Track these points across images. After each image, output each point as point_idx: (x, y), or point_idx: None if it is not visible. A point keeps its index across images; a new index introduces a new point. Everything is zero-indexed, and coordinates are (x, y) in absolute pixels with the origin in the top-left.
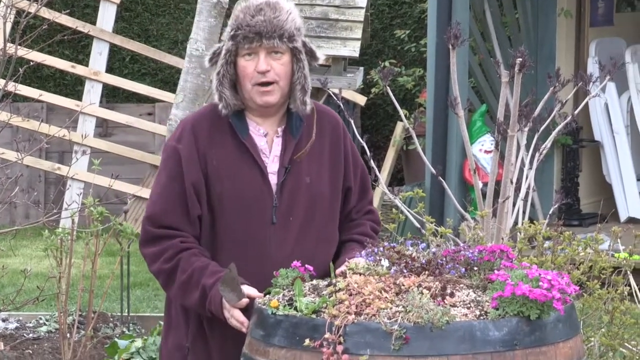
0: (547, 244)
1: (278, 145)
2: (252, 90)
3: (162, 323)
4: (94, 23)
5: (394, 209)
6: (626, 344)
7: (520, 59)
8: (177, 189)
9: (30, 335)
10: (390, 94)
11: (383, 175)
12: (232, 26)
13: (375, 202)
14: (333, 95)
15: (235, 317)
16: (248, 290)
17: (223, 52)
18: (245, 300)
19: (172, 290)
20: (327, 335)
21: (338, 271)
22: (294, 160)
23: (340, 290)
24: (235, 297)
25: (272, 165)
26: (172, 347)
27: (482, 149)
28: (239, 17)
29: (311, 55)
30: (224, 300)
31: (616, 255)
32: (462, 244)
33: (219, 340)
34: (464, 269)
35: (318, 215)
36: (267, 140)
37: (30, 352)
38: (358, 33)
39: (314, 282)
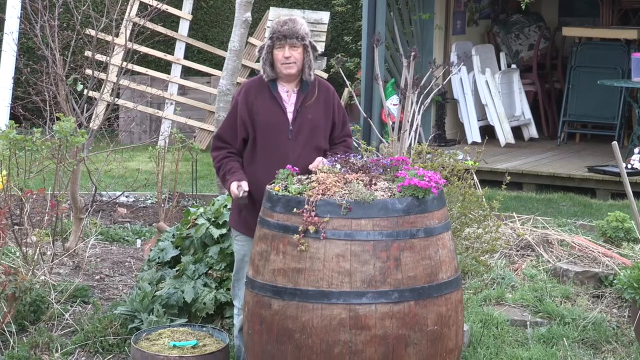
0: (428, 156)
1: (294, 97)
2: (281, 66)
3: (215, 199)
4: (176, 30)
5: None
6: (472, 212)
7: (413, 53)
8: (233, 121)
9: (141, 205)
10: (341, 72)
11: None
12: (270, 32)
13: None
14: None
15: (232, 190)
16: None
17: (265, 46)
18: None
19: (218, 177)
20: (306, 206)
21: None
22: (303, 105)
23: (313, 181)
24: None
25: (289, 108)
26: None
27: (392, 103)
28: (274, 27)
29: (314, 49)
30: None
31: (466, 162)
32: (381, 156)
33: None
34: (382, 170)
35: (315, 136)
36: (288, 94)
37: (141, 214)
38: (323, 38)
39: (300, 176)
